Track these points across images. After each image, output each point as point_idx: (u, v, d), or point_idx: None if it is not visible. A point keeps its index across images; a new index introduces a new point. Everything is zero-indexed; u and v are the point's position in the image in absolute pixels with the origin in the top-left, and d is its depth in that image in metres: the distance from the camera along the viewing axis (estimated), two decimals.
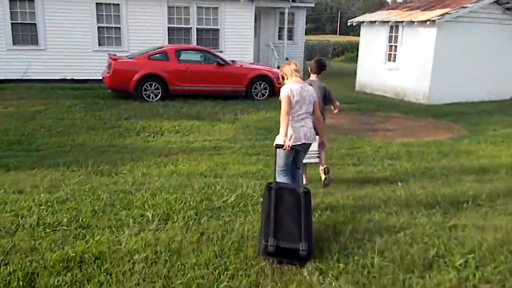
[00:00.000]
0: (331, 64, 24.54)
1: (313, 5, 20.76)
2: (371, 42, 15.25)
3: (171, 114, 10.12)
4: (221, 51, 16.24)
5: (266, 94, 12.72)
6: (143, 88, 11.60)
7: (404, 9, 14.76)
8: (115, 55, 12.25)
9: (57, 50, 14.74)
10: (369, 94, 15.00)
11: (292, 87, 4.01)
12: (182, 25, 15.94)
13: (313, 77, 5.42)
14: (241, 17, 16.50)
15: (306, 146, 4.08)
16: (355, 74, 16.23)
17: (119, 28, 15.29)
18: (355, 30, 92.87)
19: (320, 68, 5.41)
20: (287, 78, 4.14)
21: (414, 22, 13.00)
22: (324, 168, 5.17)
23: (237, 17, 16.43)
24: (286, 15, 18.78)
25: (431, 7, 13.81)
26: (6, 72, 14.25)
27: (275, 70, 13.43)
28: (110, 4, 15.07)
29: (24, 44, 14.53)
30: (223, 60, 12.26)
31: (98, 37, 15.16)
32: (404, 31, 13.74)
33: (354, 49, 41.55)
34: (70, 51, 14.85)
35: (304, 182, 4.91)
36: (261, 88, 12.62)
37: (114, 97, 11.97)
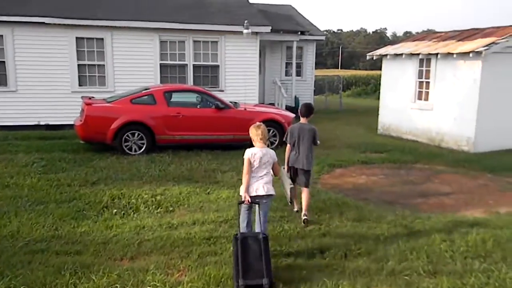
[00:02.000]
0: (342, 101, 22.35)
1: (323, 37, 18.79)
2: (396, 78, 13.04)
3: (154, 175, 7.76)
4: (222, 91, 14.13)
5: (276, 142, 10.39)
6: (123, 139, 9.31)
7: (434, 40, 12.63)
8: (91, 97, 10.03)
9: (30, 91, 12.62)
10: (396, 139, 12.66)
11: (254, 151, 4.54)
12: (177, 62, 13.86)
13: (302, 120, 5.91)
14: (244, 52, 14.43)
15: (260, 198, 4.48)
16: (372, 112, 13.93)
17: (103, 65, 13.21)
18: (356, 64, 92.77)
19: (309, 112, 5.92)
20: (253, 141, 4.65)
21: (452, 54, 10.80)
22: (304, 220, 5.64)
23: (240, 52, 14.36)
24: (294, 49, 16.75)
25: (469, 36, 11.66)
26: None
27: (285, 112, 11.18)
28: (92, 38, 13.04)
29: None
30: (222, 102, 10.01)
31: (79, 76, 13.06)
32: (439, 64, 11.54)
33: (359, 83, 39.92)
34: (45, 92, 12.73)
35: (295, 209, 5.92)
36: (269, 135, 10.31)
37: (88, 149, 9.67)
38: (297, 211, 5.90)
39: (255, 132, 4.61)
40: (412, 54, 12.20)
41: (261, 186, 4.46)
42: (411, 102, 12.52)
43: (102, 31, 13.04)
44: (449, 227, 5.53)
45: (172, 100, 9.94)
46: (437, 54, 11.35)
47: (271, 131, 10.28)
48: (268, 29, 14.29)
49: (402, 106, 12.79)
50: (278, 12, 18.36)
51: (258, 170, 4.50)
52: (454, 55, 10.77)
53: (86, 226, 5.34)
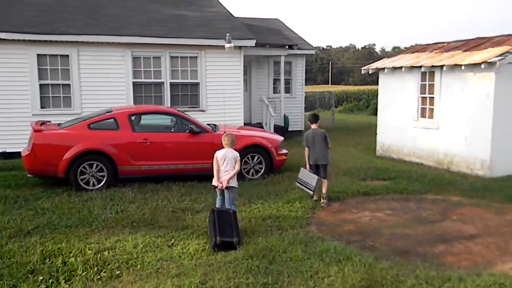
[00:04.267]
0: (335, 117, 21.03)
1: (313, 51, 17.51)
2: (396, 94, 11.72)
3: (109, 219, 6.23)
4: (203, 111, 12.75)
5: (262, 171, 8.96)
6: (78, 172, 7.79)
7: (437, 51, 11.35)
8: (44, 122, 8.54)
9: None
10: (398, 161, 11.26)
11: (219, 153, 5.97)
12: (152, 80, 12.44)
13: (313, 126, 7.41)
14: (227, 68, 13.07)
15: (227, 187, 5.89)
16: (367, 129, 12.54)
17: (69, 85, 11.75)
18: (346, 80, 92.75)
19: (316, 119, 7.46)
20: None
21: (460, 66, 9.50)
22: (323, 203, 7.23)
23: (222, 68, 12.99)
24: (282, 64, 15.43)
25: (476, 46, 10.40)
26: None
27: (272, 135, 9.76)
28: (56, 55, 11.61)
29: None
30: (197, 125, 8.56)
31: (41, 97, 11.56)
32: (444, 78, 10.23)
33: (351, 98, 38.82)
34: (2, 116, 11.20)
35: (315, 198, 7.34)
36: (254, 162, 8.88)
37: (39, 184, 8.15)
38: (315, 200, 7.30)
39: (223, 140, 6.08)
40: (413, 67, 10.90)
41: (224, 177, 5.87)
42: (413, 120, 11.17)
43: (67, 47, 11.61)
44: None
45: (138, 124, 8.49)
46: (442, 66, 10.06)
47: (256, 158, 8.85)
48: (253, 42, 12.96)
49: (404, 125, 11.44)
50: (264, 26, 17.11)
51: (223, 166, 5.89)
52: (463, 67, 9.47)
53: None
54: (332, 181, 8.74)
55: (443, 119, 10.35)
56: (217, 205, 6.01)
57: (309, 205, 7.11)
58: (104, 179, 7.91)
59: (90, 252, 5.07)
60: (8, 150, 11.28)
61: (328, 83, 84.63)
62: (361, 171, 9.62)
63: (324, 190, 7.27)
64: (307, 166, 7.43)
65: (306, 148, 7.40)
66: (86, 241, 5.40)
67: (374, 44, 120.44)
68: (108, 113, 8.33)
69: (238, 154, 6.00)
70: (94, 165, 7.87)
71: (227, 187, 5.85)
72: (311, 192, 7.20)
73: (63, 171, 7.72)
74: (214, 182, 5.92)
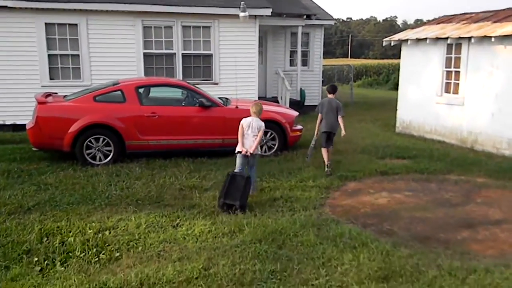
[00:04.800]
0: (354, 91, 20.38)
1: (332, 22, 16.77)
2: (418, 67, 11.09)
3: (113, 196, 5.97)
4: (216, 84, 12.34)
5: (275, 148, 8.57)
6: (84, 146, 7.52)
7: (464, 22, 10.63)
8: (50, 94, 8.26)
9: None
10: (419, 139, 10.73)
11: (245, 120, 6.11)
12: (163, 51, 12.03)
13: (330, 96, 7.56)
14: (241, 39, 12.55)
15: (251, 154, 6.05)
16: (386, 105, 11.97)
17: (78, 55, 11.43)
18: (366, 53, 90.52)
19: (334, 90, 7.61)
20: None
21: (490, 37, 8.83)
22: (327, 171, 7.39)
23: (236, 38, 12.48)
24: (299, 35, 14.82)
25: (507, 17, 9.66)
26: None
27: (287, 110, 9.33)
28: (64, 24, 11.25)
29: None
30: (208, 99, 8.17)
31: (49, 68, 11.30)
32: (472, 50, 9.57)
33: (370, 72, 37.75)
34: (11, 87, 10.99)
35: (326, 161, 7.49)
36: (266, 138, 8.47)
37: (45, 158, 7.93)
38: (327, 165, 7.44)
39: (250, 109, 6.19)
40: (438, 39, 10.23)
41: (249, 145, 6.05)
42: (436, 96, 10.57)
43: (75, 16, 11.23)
44: None
45: (146, 97, 8.14)
46: (470, 38, 9.38)
47: (269, 133, 8.44)
48: (269, 11, 12.37)
49: (426, 100, 10.85)
50: None
51: (247, 132, 6.05)
52: (492, 39, 8.80)
53: None
54: (349, 159, 8.34)
55: (468, 94, 9.74)
56: (238, 168, 6.06)
57: (323, 184, 6.74)
58: (111, 154, 7.64)
59: (90, 231, 4.81)
60: (17, 122, 11.09)
61: (348, 57, 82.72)
62: (380, 149, 9.16)
63: (327, 159, 7.45)
64: (316, 132, 7.67)
65: (320, 115, 7.51)
66: (87, 220, 5.15)
67: (396, 17, 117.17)
68: (114, 85, 7.98)
69: (263, 124, 6.13)
70: (101, 139, 7.58)
71: (251, 154, 6.03)
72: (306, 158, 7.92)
73: (68, 145, 7.46)
74: (238, 147, 6.09)
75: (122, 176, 6.90)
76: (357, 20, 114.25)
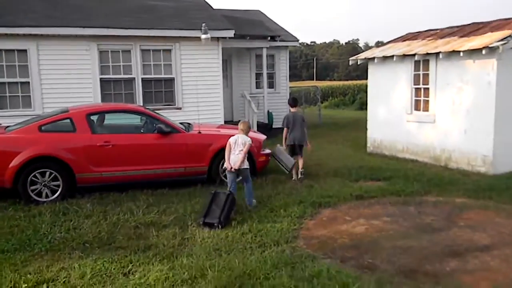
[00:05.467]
0: (322, 112, 20.14)
1: (297, 43, 16.56)
2: (386, 85, 10.84)
3: (58, 239, 5.20)
4: (179, 109, 11.74)
5: None
6: (28, 182, 6.71)
7: (429, 38, 10.49)
8: None
9: None
10: (391, 159, 10.38)
11: (232, 138, 6.41)
12: (122, 76, 11.37)
13: (293, 109, 8.25)
14: (204, 61, 12.07)
15: (236, 170, 6.34)
16: (355, 125, 11.64)
17: (28, 83, 10.59)
18: (331, 75, 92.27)
19: (296, 103, 8.45)
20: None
21: (459, 52, 8.64)
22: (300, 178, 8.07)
23: (199, 61, 11.98)
24: (264, 57, 14.47)
25: (472, 31, 9.56)
26: None
27: (253, 133, 8.76)
28: (12, 50, 10.46)
29: None
30: (167, 125, 7.53)
31: None
32: (440, 66, 9.37)
33: (336, 93, 37.99)
34: None
35: (294, 178, 8.08)
36: None
37: None
38: (294, 180, 7.94)
39: (239, 126, 6.58)
40: (405, 56, 10.02)
41: (234, 160, 6.33)
42: (406, 114, 10.30)
43: (24, 41, 10.47)
44: None
45: (98, 125, 7.44)
46: (437, 53, 9.19)
47: None
48: (231, 33, 11.96)
49: (396, 119, 10.56)
50: (245, 18, 16.07)
51: (234, 149, 6.34)
52: (461, 54, 8.60)
53: None
54: (321, 183, 7.84)
55: (439, 111, 9.49)
56: (229, 185, 6.41)
57: (296, 213, 6.17)
58: (59, 190, 6.84)
59: (25, 286, 4.04)
60: None
61: (313, 79, 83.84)
62: (353, 171, 8.71)
63: (300, 166, 8.12)
64: (284, 145, 8.13)
65: (285, 129, 8.06)
66: (23, 271, 4.37)
67: (358, 39, 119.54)
68: (63, 113, 7.25)
69: (248, 139, 6.44)
70: (47, 173, 6.79)
71: (238, 169, 6.31)
72: (287, 171, 8.00)
73: (9, 181, 6.63)
74: (225, 164, 6.39)
75: (70, 214, 6.12)
76: (320, 43, 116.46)
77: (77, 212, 6.21)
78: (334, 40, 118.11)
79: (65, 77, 10.81)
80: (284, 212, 6.19)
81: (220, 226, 5.49)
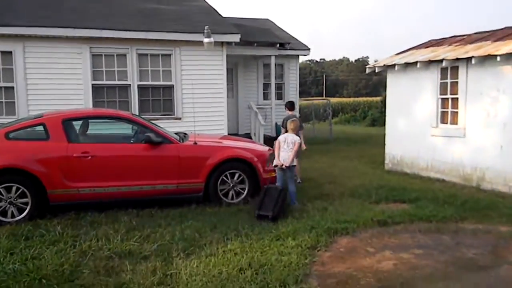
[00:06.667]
0: (333, 127, 19.05)
1: (307, 52, 15.52)
2: (407, 95, 9.75)
3: (10, 273, 4.11)
4: (178, 119, 10.72)
5: (244, 193, 6.84)
6: None
7: (456, 44, 9.42)
8: None
9: None
10: (413, 177, 9.22)
11: (282, 136, 6.88)
12: (116, 82, 10.41)
13: (290, 112, 8.69)
14: (207, 68, 11.10)
15: (287, 166, 6.62)
16: (369, 140, 10.53)
17: (12, 88, 9.67)
18: (340, 92, 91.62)
19: (293, 106, 8.98)
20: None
21: (495, 56, 7.55)
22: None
23: (201, 67, 11.01)
24: (272, 66, 13.47)
25: (507, 35, 8.48)
26: None
27: (257, 146, 7.71)
28: None
29: None
30: (158, 134, 6.47)
31: None
32: (471, 74, 8.27)
33: (347, 109, 36.99)
34: None
35: (299, 180, 8.28)
36: (233, 181, 6.76)
37: None
38: (299, 182, 8.23)
39: (288, 126, 7.01)
40: (430, 62, 8.94)
41: (284, 158, 6.63)
42: (431, 127, 9.17)
43: (9, 42, 9.58)
44: None
45: (77, 133, 6.40)
46: (468, 59, 8.10)
47: (236, 175, 6.75)
48: (237, 38, 10.99)
49: (419, 133, 9.43)
50: (253, 25, 15.14)
51: (283, 147, 6.67)
52: (498, 58, 7.51)
53: None
54: (336, 205, 6.70)
55: (470, 124, 8.36)
56: (278, 182, 6.65)
57: (308, 242, 5.04)
58: (27, 208, 5.79)
59: None
60: None
61: (323, 95, 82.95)
62: (372, 191, 7.56)
63: (299, 172, 8.36)
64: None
65: (283, 129, 8.14)
66: None
67: (367, 57, 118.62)
68: (36, 118, 6.23)
69: (298, 138, 6.79)
70: (13, 188, 5.74)
71: (287, 167, 6.53)
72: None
73: None
74: (275, 161, 6.62)
75: (34, 239, 5.05)
76: (330, 60, 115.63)
77: (43, 236, 5.13)
78: (344, 57, 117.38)
79: (54, 83, 9.86)
80: (293, 241, 5.07)
81: (272, 220, 5.77)
